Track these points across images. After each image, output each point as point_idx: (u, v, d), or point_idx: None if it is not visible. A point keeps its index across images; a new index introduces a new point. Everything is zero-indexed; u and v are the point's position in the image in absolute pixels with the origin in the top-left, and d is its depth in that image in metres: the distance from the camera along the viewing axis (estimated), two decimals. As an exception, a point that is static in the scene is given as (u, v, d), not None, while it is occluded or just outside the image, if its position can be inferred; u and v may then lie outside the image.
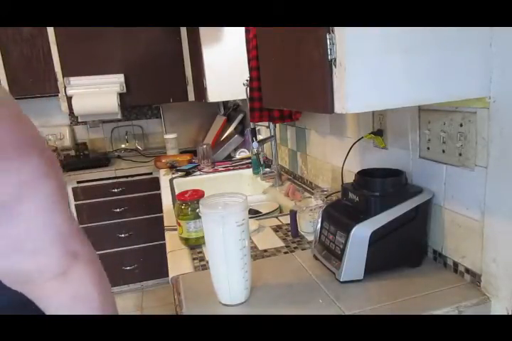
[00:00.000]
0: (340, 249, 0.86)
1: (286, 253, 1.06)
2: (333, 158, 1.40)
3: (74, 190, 2.45)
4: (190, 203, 1.11)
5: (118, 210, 2.53)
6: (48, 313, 0.56)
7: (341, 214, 0.91)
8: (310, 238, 1.13)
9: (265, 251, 1.08)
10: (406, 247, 0.89)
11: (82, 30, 2.38)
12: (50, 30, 2.36)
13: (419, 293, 0.81)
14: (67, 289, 0.55)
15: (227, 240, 0.78)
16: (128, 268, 2.61)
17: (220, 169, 2.18)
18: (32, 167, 0.50)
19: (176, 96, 2.65)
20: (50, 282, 0.53)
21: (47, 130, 2.75)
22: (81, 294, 0.56)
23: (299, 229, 1.17)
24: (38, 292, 0.54)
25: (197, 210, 1.06)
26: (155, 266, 2.58)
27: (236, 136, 2.37)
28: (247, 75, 1.50)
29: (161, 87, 2.61)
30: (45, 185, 0.52)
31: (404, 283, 0.85)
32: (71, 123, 2.90)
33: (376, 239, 0.84)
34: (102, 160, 2.66)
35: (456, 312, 0.75)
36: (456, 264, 0.87)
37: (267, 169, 1.80)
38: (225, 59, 2.08)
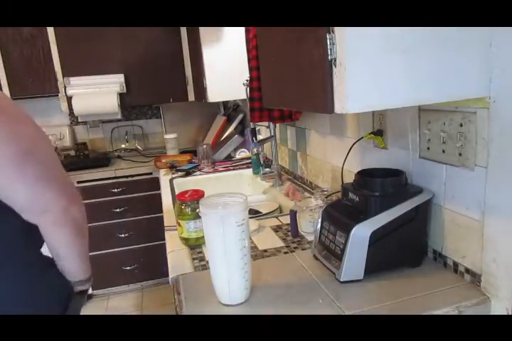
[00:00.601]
0: (340, 249, 0.86)
1: (286, 253, 1.06)
2: (333, 158, 1.40)
3: (74, 190, 2.45)
4: (190, 203, 1.11)
5: (118, 210, 2.53)
6: (48, 239, 0.76)
7: (341, 214, 0.91)
8: (310, 238, 1.13)
9: (265, 251, 1.08)
10: (406, 247, 0.89)
11: (82, 30, 2.38)
12: (50, 30, 2.36)
13: (419, 293, 0.81)
14: (68, 219, 0.76)
15: (227, 240, 0.78)
16: (128, 268, 2.61)
17: (220, 169, 2.18)
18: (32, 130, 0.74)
19: (176, 96, 2.65)
20: (59, 213, 0.74)
21: (47, 130, 2.73)
22: (76, 222, 0.79)
23: (299, 229, 1.17)
24: (47, 221, 0.74)
25: (197, 210, 1.06)
26: (155, 266, 2.58)
27: (236, 136, 2.37)
28: (247, 75, 1.50)
29: (161, 87, 2.61)
30: (47, 145, 0.77)
31: (404, 283, 0.85)
32: (71, 123, 2.90)
33: (376, 239, 0.84)
34: (102, 160, 2.66)
35: (456, 312, 0.75)
36: (456, 264, 0.87)
37: (267, 169, 1.80)
38: (225, 59, 2.08)
